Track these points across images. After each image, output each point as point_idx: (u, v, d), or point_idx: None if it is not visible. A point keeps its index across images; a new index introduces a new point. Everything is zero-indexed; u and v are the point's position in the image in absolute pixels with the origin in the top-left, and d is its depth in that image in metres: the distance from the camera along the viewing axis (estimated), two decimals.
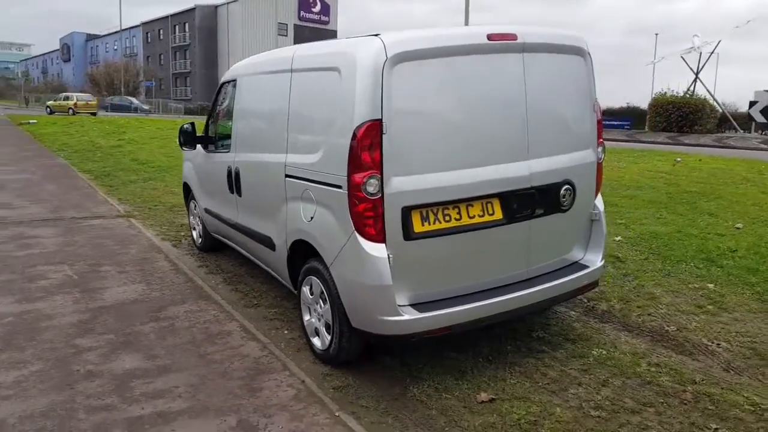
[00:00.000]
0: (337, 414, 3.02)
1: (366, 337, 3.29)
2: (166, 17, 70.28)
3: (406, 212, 3.06)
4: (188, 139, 5.35)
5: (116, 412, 2.98)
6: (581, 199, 3.70)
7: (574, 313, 4.34)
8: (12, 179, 10.44)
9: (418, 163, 3.09)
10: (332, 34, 67.47)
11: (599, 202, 3.90)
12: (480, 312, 3.30)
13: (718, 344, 3.80)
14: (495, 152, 3.31)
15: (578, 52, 3.63)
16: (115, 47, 75.01)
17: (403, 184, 3.04)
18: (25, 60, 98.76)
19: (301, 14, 66.44)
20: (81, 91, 50.39)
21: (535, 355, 3.67)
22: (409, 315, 3.10)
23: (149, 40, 74.83)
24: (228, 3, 64.86)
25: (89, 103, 41.73)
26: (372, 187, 2.97)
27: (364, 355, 3.55)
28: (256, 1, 63.28)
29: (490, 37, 3.22)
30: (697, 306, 4.39)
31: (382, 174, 2.98)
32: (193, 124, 5.44)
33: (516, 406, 3.09)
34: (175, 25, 68.96)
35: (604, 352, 3.68)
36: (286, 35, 64.67)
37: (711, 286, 4.81)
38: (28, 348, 3.68)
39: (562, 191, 3.54)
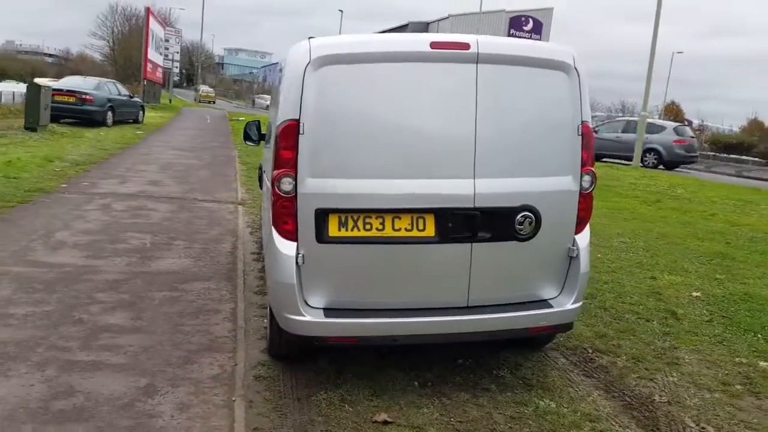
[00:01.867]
0: (234, 399, 3.16)
1: (287, 334, 3.36)
2: (383, 32, 75.10)
3: (321, 214, 3.08)
4: (251, 135, 5.82)
5: (66, 353, 3.48)
6: (551, 230, 3.32)
7: (564, 360, 3.88)
8: (180, 163, 12.23)
9: (339, 167, 3.08)
10: None
11: (582, 237, 3.45)
12: (393, 329, 3.18)
13: (703, 428, 3.12)
14: (433, 166, 3.15)
15: (560, 67, 3.27)
16: None
17: (319, 186, 3.07)
18: (265, 66, 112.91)
19: (511, 32, 65.90)
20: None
21: (477, 391, 3.39)
22: (312, 317, 3.11)
23: None
24: (439, 20, 67.06)
25: None
26: (286, 185, 3.05)
27: (312, 353, 3.62)
28: (466, 19, 64.43)
29: (433, 45, 3.08)
30: (721, 383, 3.62)
31: (296, 174, 3.04)
32: (258, 121, 5.93)
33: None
34: None
35: (553, 405, 3.26)
36: None
37: (763, 364, 3.90)
38: (57, 292, 4.41)
39: (518, 218, 3.22)
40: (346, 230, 3.11)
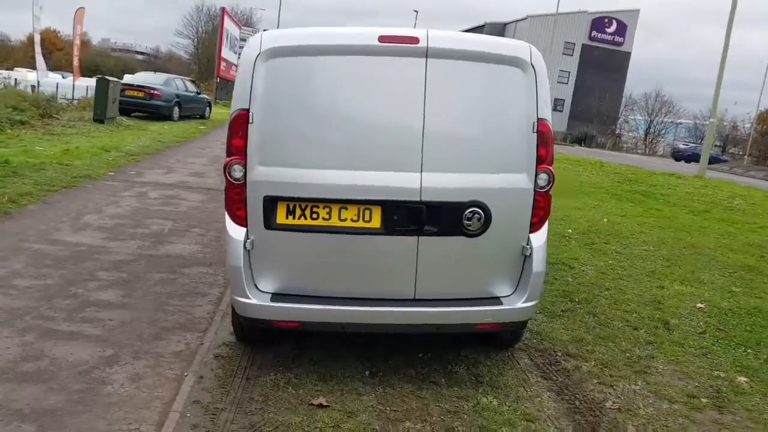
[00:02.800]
0: (186, 374, 3.35)
1: (240, 316, 3.50)
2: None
3: (270, 201, 3.20)
4: None
5: (49, 322, 3.78)
6: (503, 227, 3.30)
7: (528, 361, 3.83)
8: None
9: (288, 156, 3.19)
10: (625, 57, 63.71)
11: (537, 236, 3.40)
12: (338, 317, 3.25)
13: None
14: (381, 158, 3.20)
15: (515, 63, 3.24)
16: None
17: (267, 174, 3.19)
18: None
19: (593, 34, 63.96)
20: None
21: (424, 384, 3.42)
22: (258, 300, 3.24)
23: None
24: (517, 21, 65.95)
25: None
26: (236, 172, 3.20)
27: (278, 338, 3.76)
28: (545, 20, 63.00)
29: (381, 38, 3.14)
30: (687, 395, 3.47)
31: (246, 161, 3.18)
32: None
33: (334, 418, 3.01)
34: None
35: (495, 403, 3.24)
36: (572, 55, 63.12)
37: (742, 379, 3.69)
38: (63, 269, 4.78)
39: (466, 213, 3.22)
40: (294, 218, 3.22)
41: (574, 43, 62.83)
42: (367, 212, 3.22)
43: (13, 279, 4.44)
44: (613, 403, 3.33)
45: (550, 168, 3.35)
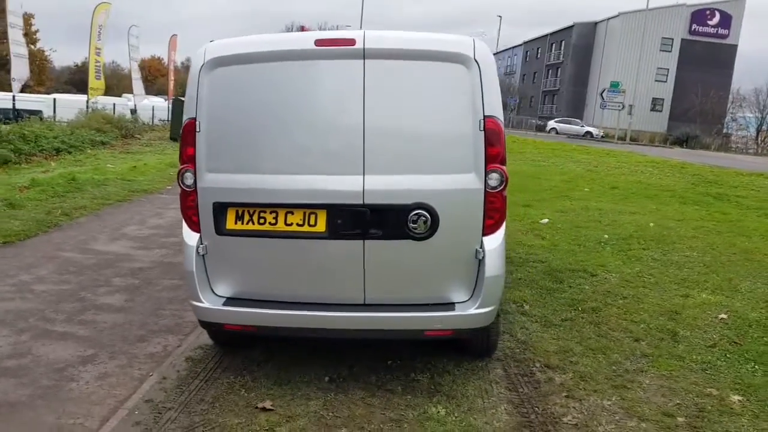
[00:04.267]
0: (150, 374, 3.50)
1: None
2: (545, 36, 72.79)
3: (219, 207, 3.29)
4: None
5: (47, 324, 4.09)
6: (452, 230, 3.19)
7: (501, 371, 3.65)
8: None
9: (234, 162, 3.26)
10: (731, 50, 59.39)
11: (491, 239, 3.25)
12: (291, 321, 3.27)
13: None
14: (324, 162, 3.20)
15: (457, 59, 3.13)
16: (499, 66, 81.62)
17: (215, 180, 3.28)
18: None
19: (693, 27, 60.06)
20: None
21: (378, 392, 3.36)
22: (210, 304, 3.33)
23: (527, 58, 78.73)
24: (608, 19, 63.29)
25: None
26: (187, 179, 3.32)
27: (253, 342, 3.85)
28: (639, 16, 59.85)
29: (318, 42, 3.15)
30: (663, 413, 3.16)
31: (195, 169, 3.30)
32: None
33: (271, 421, 3.03)
34: (552, 44, 70.93)
35: (442, 413, 3.13)
36: (670, 51, 59.58)
37: (735, 397, 3.30)
38: (83, 275, 5.15)
39: (411, 216, 3.15)
40: (242, 223, 3.29)
41: (672, 39, 59.19)
42: (312, 216, 3.23)
43: (34, 284, 4.84)
44: (573, 418, 3.11)
45: (502, 167, 3.20)
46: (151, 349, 3.83)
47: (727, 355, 3.85)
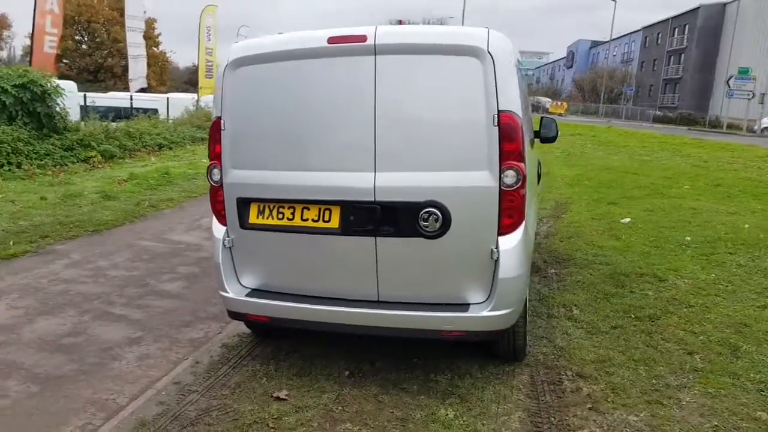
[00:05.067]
0: (186, 358, 3.73)
1: None
2: (667, 20, 67.80)
3: (243, 202, 3.42)
4: None
5: (109, 306, 4.48)
6: (465, 229, 3.10)
7: (526, 377, 3.50)
8: None
9: (256, 159, 3.38)
10: None
11: (508, 239, 3.10)
12: (305, 314, 3.34)
13: None
14: (338, 159, 3.22)
15: (470, 52, 3.01)
16: (614, 53, 77.12)
17: (240, 177, 3.41)
18: (539, 67, 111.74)
19: None
20: (567, 98, 54.85)
21: (393, 390, 3.35)
22: (234, 294, 3.48)
23: (647, 44, 73.75)
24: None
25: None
26: (215, 176, 3.48)
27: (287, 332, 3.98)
28: None
29: (330, 40, 3.16)
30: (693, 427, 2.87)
31: (221, 165, 3.45)
32: None
33: (280, 410, 3.12)
34: (674, 28, 65.93)
35: (450, 416, 3.06)
36: None
37: (763, 415, 2.93)
38: (153, 262, 5.55)
39: (422, 214, 3.09)
40: (263, 218, 3.40)
41: None
42: (327, 212, 3.27)
43: (109, 270, 5.30)
44: None
45: (519, 164, 3.05)
46: (193, 335, 4.06)
47: None
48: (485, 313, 3.12)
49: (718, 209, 8.35)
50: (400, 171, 3.13)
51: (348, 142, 3.20)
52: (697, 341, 3.92)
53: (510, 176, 3.05)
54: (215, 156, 3.47)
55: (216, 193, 3.51)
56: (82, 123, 11.57)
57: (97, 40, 47.49)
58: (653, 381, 3.41)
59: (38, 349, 3.74)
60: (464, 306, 3.20)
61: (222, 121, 3.41)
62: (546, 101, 53.37)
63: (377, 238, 3.19)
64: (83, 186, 8.88)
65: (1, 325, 4.05)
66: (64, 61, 46.80)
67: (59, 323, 4.13)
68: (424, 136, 3.12)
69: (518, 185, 3.07)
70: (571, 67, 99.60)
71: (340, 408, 3.16)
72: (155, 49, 44.90)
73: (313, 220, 3.29)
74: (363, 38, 3.11)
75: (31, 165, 9.58)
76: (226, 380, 3.45)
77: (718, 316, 4.35)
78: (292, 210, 3.33)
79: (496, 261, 3.11)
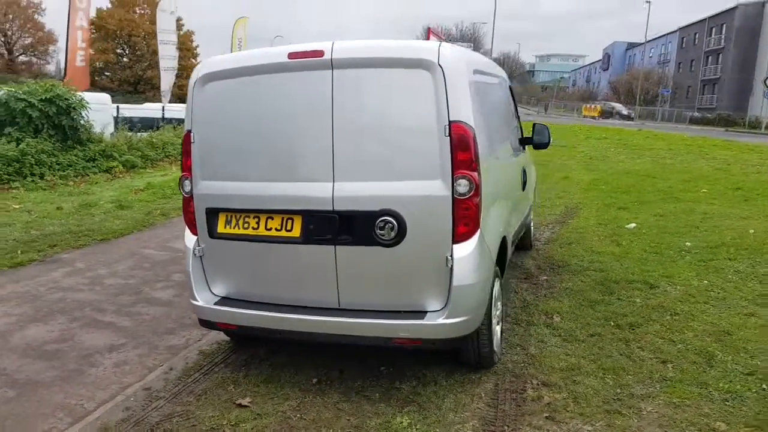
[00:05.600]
0: (161, 365, 3.84)
1: None
2: (704, 20, 66.07)
3: (212, 212, 3.52)
4: None
5: (99, 314, 4.63)
6: (421, 237, 3.13)
7: (490, 386, 3.49)
8: None
9: (223, 171, 3.47)
10: None
11: (462, 247, 3.12)
12: (270, 322, 3.41)
13: None
14: (298, 170, 3.30)
15: (422, 65, 3.06)
16: (650, 54, 75.51)
17: (208, 187, 3.52)
18: (575, 70, 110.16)
19: None
20: (604, 100, 53.89)
21: (355, 397, 3.39)
22: (203, 302, 3.57)
23: (683, 45, 71.99)
24: None
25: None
26: (186, 187, 3.59)
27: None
28: None
29: (290, 55, 3.24)
30: None
31: (192, 177, 3.56)
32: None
33: (240, 417, 3.19)
34: (711, 28, 64.21)
35: (404, 423, 3.09)
36: None
37: (722, 426, 2.84)
38: (151, 270, 5.72)
39: (378, 222, 3.13)
40: (231, 228, 3.49)
41: None
42: (289, 222, 3.34)
43: (107, 278, 5.49)
44: None
45: (471, 173, 3.07)
46: (174, 342, 4.18)
47: (764, 386, 3.32)
48: (440, 321, 3.14)
49: (731, 213, 8.11)
50: (357, 181, 3.19)
51: (308, 153, 3.27)
52: (673, 350, 3.84)
53: (462, 185, 3.07)
54: (186, 168, 3.58)
55: (187, 203, 3.62)
56: (109, 135, 11.93)
57: (138, 53, 49.07)
58: (618, 390, 3.36)
59: (23, 355, 3.90)
60: (421, 314, 3.23)
61: (192, 135, 3.52)
62: (620, 107, 52.77)
63: (336, 246, 3.25)
64: (100, 196, 9.19)
65: None
66: (106, 73, 48.61)
67: (48, 330, 4.30)
68: (380, 147, 3.17)
69: (471, 194, 3.09)
70: (607, 69, 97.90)
71: (298, 415, 3.21)
72: (193, 60, 46.00)
73: (276, 230, 3.36)
74: (320, 53, 3.18)
75: (54, 176, 9.97)
76: (194, 387, 3.54)
77: (701, 324, 4.25)
78: (257, 219, 3.41)
79: (451, 269, 3.12)
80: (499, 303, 3.89)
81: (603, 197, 9.88)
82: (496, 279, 3.72)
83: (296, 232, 3.32)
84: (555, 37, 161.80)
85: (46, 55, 53.26)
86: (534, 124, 5.71)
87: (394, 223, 3.12)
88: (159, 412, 3.25)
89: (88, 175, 10.67)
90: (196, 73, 3.52)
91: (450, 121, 3.05)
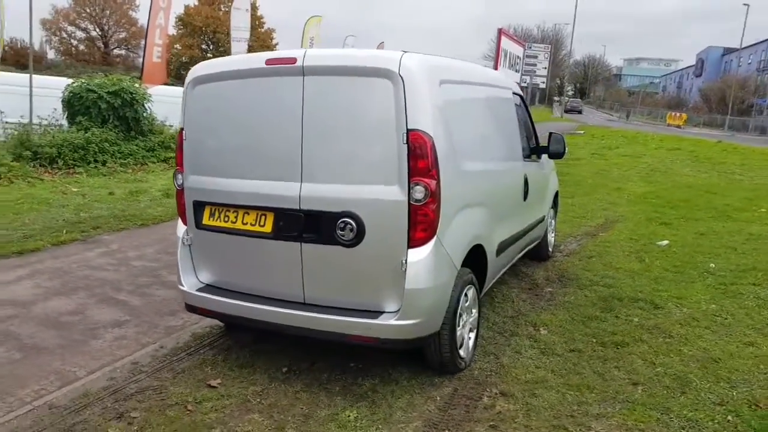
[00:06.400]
0: (155, 342, 4.15)
1: None
2: None
3: (198, 205, 3.79)
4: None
5: (116, 293, 5.03)
6: (379, 240, 3.25)
7: (449, 390, 3.55)
8: None
9: (209, 166, 3.73)
10: None
11: (416, 252, 3.21)
12: (243, 311, 3.63)
13: None
14: (272, 169, 3.50)
15: (383, 74, 3.17)
16: (749, 61, 70.90)
17: (196, 182, 3.78)
18: (666, 75, 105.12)
19: None
20: (692, 109, 51.42)
21: (316, 389, 3.55)
22: (187, 287, 3.84)
23: None
24: None
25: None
26: (178, 180, 3.88)
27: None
28: None
29: (267, 61, 3.44)
30: None
31: (183, 171, 3.83)
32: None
33: (205, 396, 3.43)
34: None
35: (351, 417, 3.22)
36: None
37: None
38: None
39: (339, 223, 3.28)
40: (213, 220, 3.74)
41: None
42: (263, 218, 3.55)
43: (133, 260, 5.93)
44: None
45: (427, 180, 3.16)
46: (172, 323, 4.49)
47: (729, 418, 3.19)
48: (392, 322, 3.25)
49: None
50: (322, 183, 3.35)
51: (280, 154, 3.46)
52: (650, 373, 3.75)
53: (418, 191, 3.17)
54: (179, 163, 3.87)
55: (179, 196, 3.90)
56: (167, 125, 12.66)
57: (221, 49, 51.28)
58: (575, 407, 3.34)
59: (39, 323, 4.33)
60: (377, 313, 3.34)
61: (184, 132, 3.80)
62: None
63: (302, 244, 3.42)
64: (152, 184, 9.83)
65: (21, 301, 4.72)
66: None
67: (67, 303, 4.73)
68: (344, 151, 3.31)
69: (427, 201, 3.17)
70: (700, 75, 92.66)
71: (258, 400, 3.41)
72: None
73: (251, 224, 3.58)
74: (293, 60, 3.36)
75: (115, 163, 10.74)
76: (176, 365, 3.82)
77: (692, 348, 4.11)
78: (235, 214, 3.64)
79: (405, 272, 3.22)
80: (474, 310, 3.93)
81: (649, 211, 9.52)
82: (469, 286, 3.76)
83: (268, 228, 3.51)
84: (646, 39, 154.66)
85: (138, 48, 56.65)
86: (550, 134, 5.68)
87: (354, 224, 3.25)
88: (137, 385, 3.54)
89: (147, 164, 11.40)
90: (189, 76, 3.80)
91: (408, 129, 3.15)
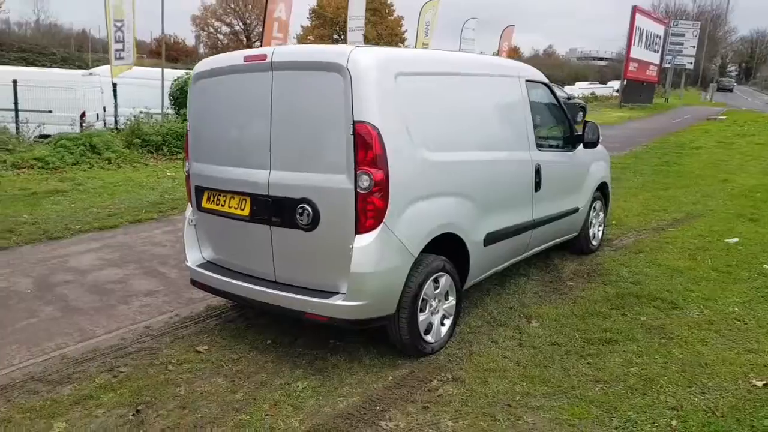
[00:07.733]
0: (172, 311, 4.70)
1: None
2: None
3: (199, 189, 4.24)
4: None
5: (159, 266, 5.69)
6: (331, 225, 3.49)
7: (405, 371, 3.69)
8: None
9: (206, 155, 4.16)
10: None
11: (362, 238, 3.38)
12: (228, 287, 4.04)
13: None
14: (249, 157, 3.84)
15: (333, 68, 3.36)
16: None
17: (197, 168, 4.23)
18: None
19: None
20: None
21: (287, 362, 3.85)
22: (190, 264, 4.32)
23: None
24: None
25: None
26: (186, 167, 4.35)
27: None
28: None
29: (245, 58, 3.76)
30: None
31: (189, 159, 4.30)
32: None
33: (189, 359, 3.88)
34: None
35: (299, 388, 3.49)
36: None
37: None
38: None
39: (297, 208, 3.55)
40: (209, 203, 4.17)
41: None
42: (243, 202, 3.91)
43: (163, 243, 6.60)
44: (395, 425, 3.08)
45: (372, 170, 3.32)
46: (194, 295, 5.02)
47: (673, 423, 3.01)
48: (339, 302, 3.47)
49: None
50: (286, 170, 3.63)
51: (255, 143, 3.79)
52: (621, 372, 3.61)
53: (364, 180, 3.34)
54: (186, 151, 4.34)
55: (187, 180, 4.38)
56: None
57: None
58: (517, 398, 3.34)
59: (86, 289, 5.07)
60: (330, 294, 3.56)
61: (189, 123, 4.26)
62: None
63: (271, 227, 3.73)
64: None
65: (81, 270, 5.52)
66: None
67: (116, 273, 5.47)
68: (302, 141, 3.57)
69: (373, 189, 3.33)
70: None
71: (229, 366, 3.79)
72: (401, 45, 48.38)
73: (235, 208, 3.95)
74: (264, 57, 3.66)
75: None
76: (179, 331, 4.32)
77: (684, 352, 3.85)
78: (224, 198, 4.03)
79: (351, 256, 3.40)
80: (451, 298, 4.00)
81: (745, 206, 8.64)
82: (441, 273, 3.84)
83: (246, 211, 3.87)
84: None
85: (276, 41, 60.32)
86: (585, 122, 5.47)
87: (310, 210, 3.50)
88: (138, 345, 4.08)
89: None
90: (193, 72, 4.23)
91: (354, 121, 3.32)
